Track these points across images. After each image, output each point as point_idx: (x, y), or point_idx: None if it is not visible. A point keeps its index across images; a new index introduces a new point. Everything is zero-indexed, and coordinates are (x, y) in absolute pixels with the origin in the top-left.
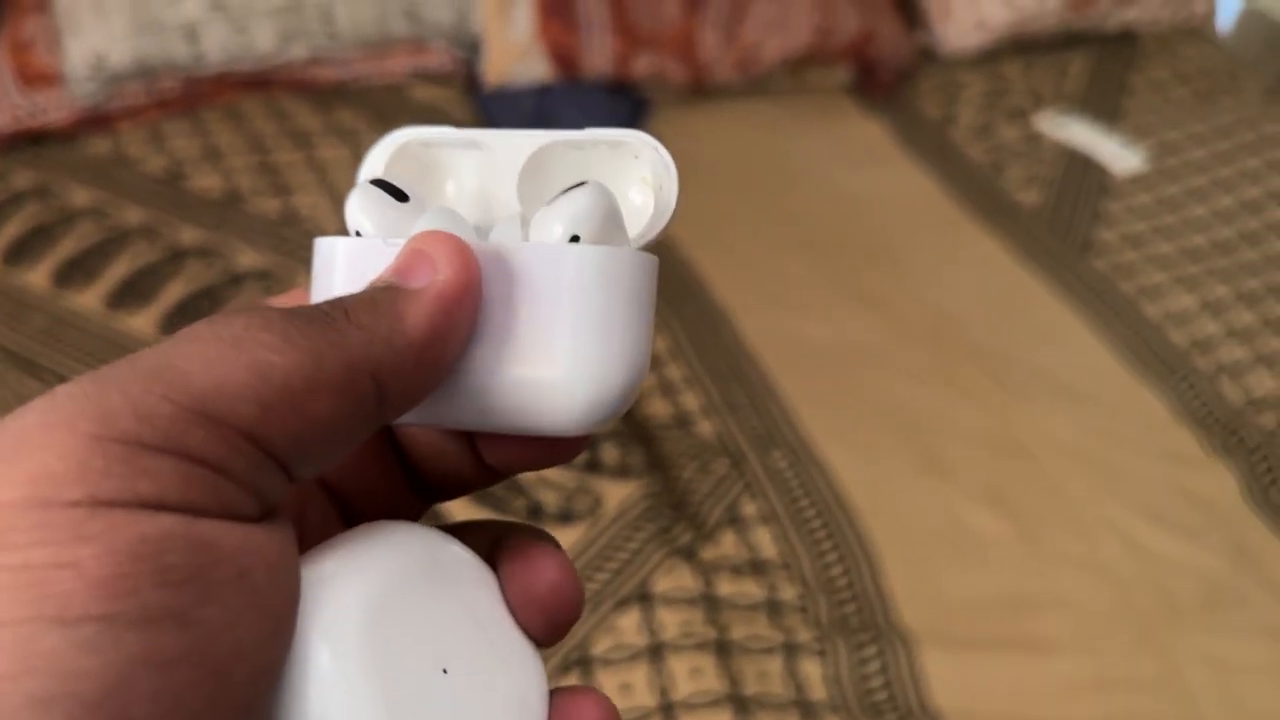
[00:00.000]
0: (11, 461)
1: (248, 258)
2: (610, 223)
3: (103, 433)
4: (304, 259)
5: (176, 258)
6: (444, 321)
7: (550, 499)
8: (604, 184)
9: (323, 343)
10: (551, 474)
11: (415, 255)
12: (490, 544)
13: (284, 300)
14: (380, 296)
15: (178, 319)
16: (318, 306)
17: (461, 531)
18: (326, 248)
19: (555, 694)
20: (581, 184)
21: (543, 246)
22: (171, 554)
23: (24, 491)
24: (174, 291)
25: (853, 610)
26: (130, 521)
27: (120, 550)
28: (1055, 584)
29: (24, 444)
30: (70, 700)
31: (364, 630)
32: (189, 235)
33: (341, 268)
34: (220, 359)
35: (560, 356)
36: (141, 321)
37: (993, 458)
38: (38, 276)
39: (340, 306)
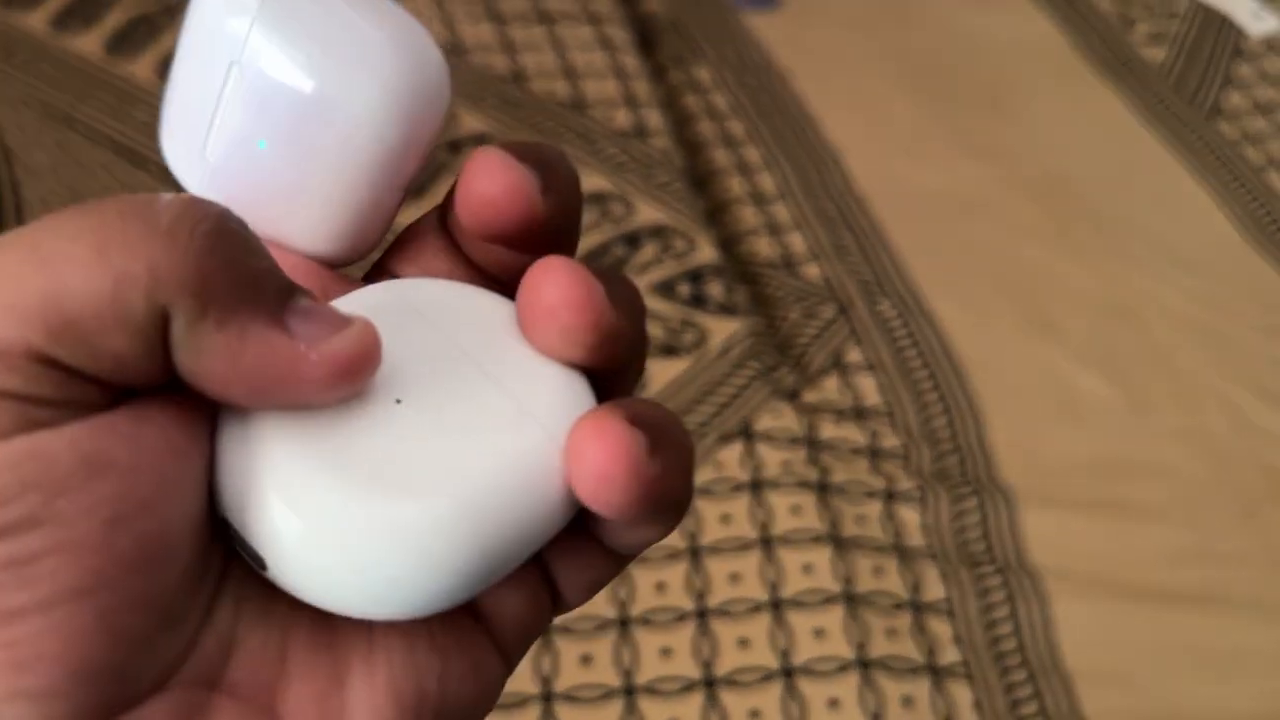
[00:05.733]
0: None
1: None
2: None
3: None
4: None
5: None
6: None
7: (654, 331)
8: None
9: (132, 263)
10: (658, 307)
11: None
12: None
13: None
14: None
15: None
16: (169, 205)
17: None
18: None
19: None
20: None
21: None
22: None
23: None
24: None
25: (954, 462)
26: None
27: None
28: (1158, 452)
29: None
30: None
31: None
32: None
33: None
34: (19, 276)
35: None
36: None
37: (1101, 321)
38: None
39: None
